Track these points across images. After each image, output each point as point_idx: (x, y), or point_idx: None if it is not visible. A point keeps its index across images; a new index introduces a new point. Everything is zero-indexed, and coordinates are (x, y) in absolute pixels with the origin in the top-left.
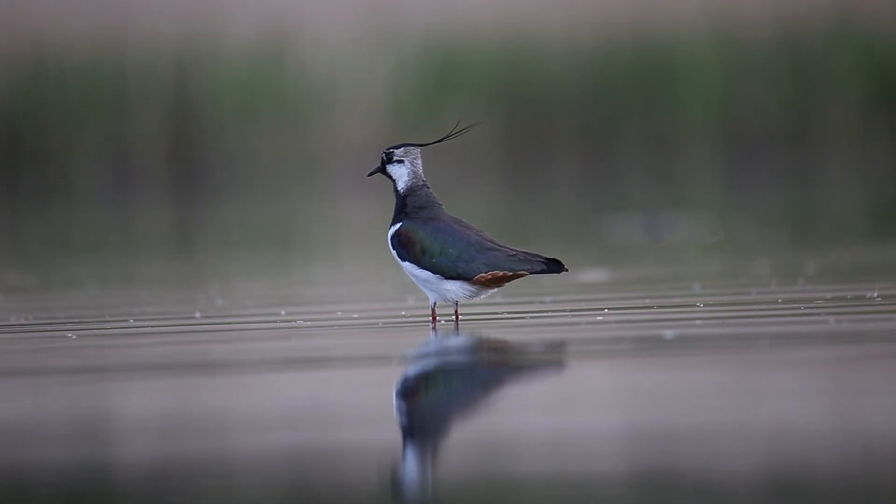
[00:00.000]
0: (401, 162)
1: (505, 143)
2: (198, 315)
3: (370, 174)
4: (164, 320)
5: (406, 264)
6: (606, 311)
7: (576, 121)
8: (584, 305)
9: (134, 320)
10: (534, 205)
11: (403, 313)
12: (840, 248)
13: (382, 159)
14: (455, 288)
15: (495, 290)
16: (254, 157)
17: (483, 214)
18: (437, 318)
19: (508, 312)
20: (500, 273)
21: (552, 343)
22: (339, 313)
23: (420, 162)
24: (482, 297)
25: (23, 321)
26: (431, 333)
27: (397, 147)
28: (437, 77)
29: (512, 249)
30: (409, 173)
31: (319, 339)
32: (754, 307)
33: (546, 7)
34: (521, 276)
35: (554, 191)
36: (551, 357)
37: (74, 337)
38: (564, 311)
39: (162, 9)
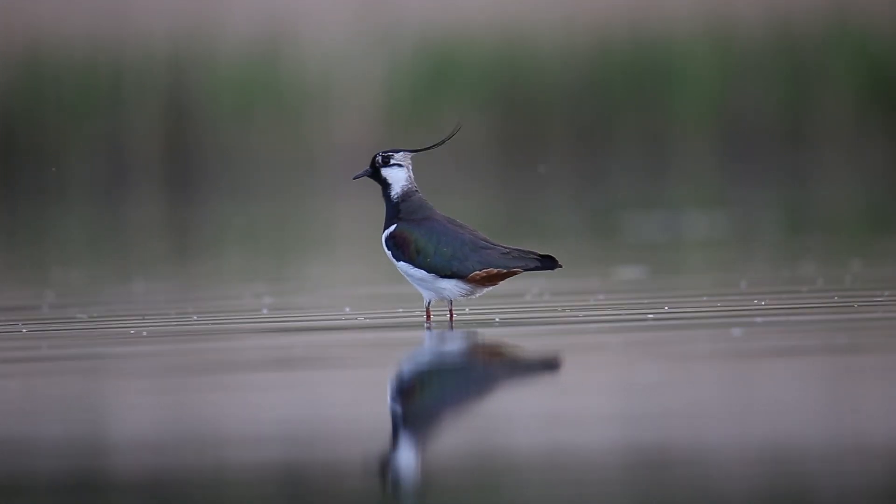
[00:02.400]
0: (399, 166)
1: (500, 143)
2: (265, 311)
3: (356, 177)
4: (231, 316)
5: (401, 264)
6: (667, 308)
7: (571, 120)
8: (643, 303)
9: (197, 317)
10: (544, 204)
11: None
12: (871, 243)
13: (376, 162)
14: (450, 286)
15: (490, 288)
16: (249, 155)
17: (492, 214)
18: (432, 316)
19: (563, 308)
20: (495, 271)
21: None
22: (400, 309)
23: (412, 168)
24: (477, 295)
25: (85, 317)
26: (426, 332)
27: (396, 151)
28: (432, 76)
29: (505, 247)
30: (406, 178)
31: (319, 337)
32: (813, 304)
33: (541, 6)
34: (516, 273)
35: (553, 189)
36: (550, 359)
37: (145, 334)
38: (621, 308)
39: (158, 7)
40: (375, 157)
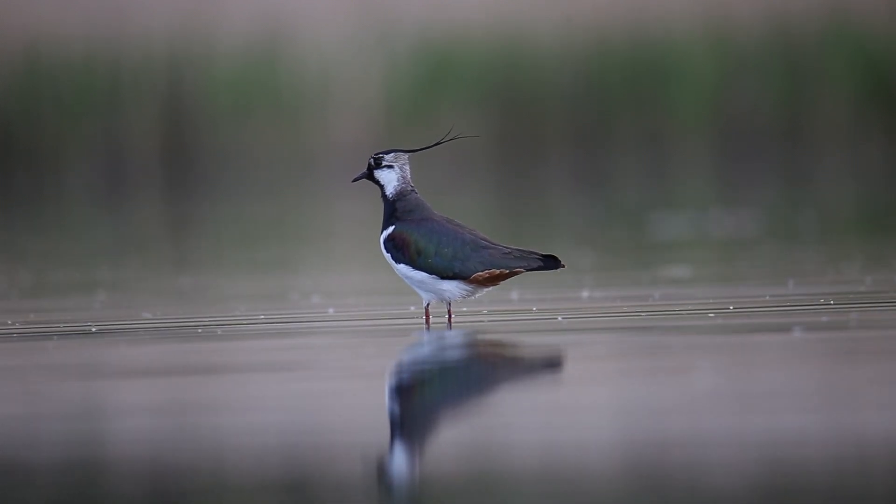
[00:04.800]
0: (390, 167)
1: (498, 142)
2: (331, 311)
3: (355, 180)
4: (294, 315)
5: (401, 266)
6: (731, 308)
7: (569, 120)
8: (706, 303)
9: (264, 316)
10: (557, 205)
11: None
12: None
13: (370, 164)
14: (451, 287)
15: (490, 288)
16: (247, 155)
17: (509, 216)
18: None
19: (626, 305)
20: (497, 271)
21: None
22: (463, 307)
23: (408, 167)
24: (477, 296)
25: (150, 316)
26: (425, 333)
27: (387, 152)
28: (430, 76)
29: (507, 247)
30: (398, 178)
31: (314, 339)
32: (878, 304)
33: (539, 6)
34: (518, 273)
35: (557, 189)
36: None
37: (219, 332)
38: (681, 308)
39: (156, 7)
40: (370, 158)
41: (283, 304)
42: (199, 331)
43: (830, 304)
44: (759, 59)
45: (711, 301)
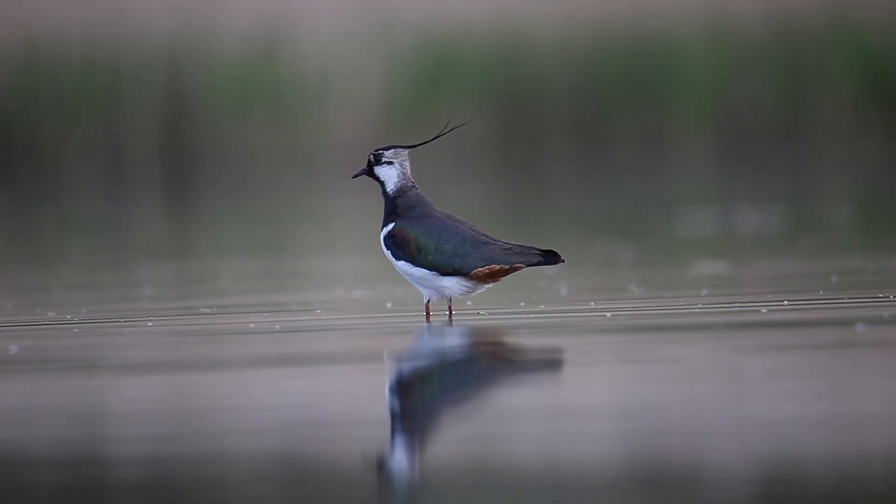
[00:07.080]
0: (390, 164)
1: (498, 140)
2: (389, 305)
3: (355, 176)
4: (353, 312)
5: (401, 263)
6: (786, 302)
7: (570, 117)
8: (759, 298)
9: (320, 311)
10: (571, 202)
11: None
12: None
13: (370, 161)
14: (452, 284)
15: (491, 284)
16: (247, 152)
17: (524, 213)
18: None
19: (680, 301)
20: (497, 267)
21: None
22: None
23: (408, 163)
24: (477, 292)
25: (208, 311)
26: (425, 331)
27: (386, 149)
28: (430, 73)
29: (507, 243)
30: (398, 175)
31: (311, 336)
32: None
33: (540, 3)
34: (518, 269)
35: (555, 187)
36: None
37: (278, 328)
38: (733, 303)
39: (155, 4)
40: (370, 154)
41: (332, 302)
42: (252, 326)
43: (890, 299)
44: (759, 56)
45: (768, 297)
